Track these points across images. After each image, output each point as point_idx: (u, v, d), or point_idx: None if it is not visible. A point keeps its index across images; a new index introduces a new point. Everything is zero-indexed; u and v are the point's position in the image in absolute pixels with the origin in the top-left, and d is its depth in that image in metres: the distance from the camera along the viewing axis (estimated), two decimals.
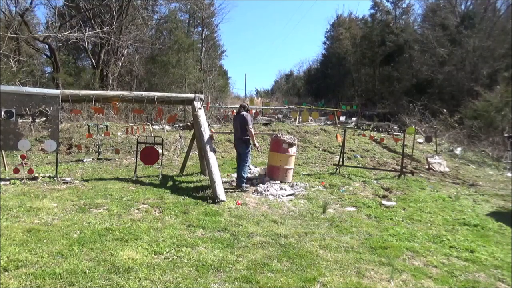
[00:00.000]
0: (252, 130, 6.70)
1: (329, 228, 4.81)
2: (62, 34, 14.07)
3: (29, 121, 11.33)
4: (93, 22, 19.16)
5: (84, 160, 9.47)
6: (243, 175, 6.79)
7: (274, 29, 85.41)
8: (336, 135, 11.77)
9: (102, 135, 10.94)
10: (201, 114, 7.42)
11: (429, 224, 5.16)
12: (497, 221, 5.38)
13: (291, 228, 4.71)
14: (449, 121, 15.16)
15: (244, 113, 6.86)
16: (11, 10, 16.65)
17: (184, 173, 8.28)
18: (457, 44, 19.26)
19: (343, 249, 4.05)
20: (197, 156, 8.66)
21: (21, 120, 10.09)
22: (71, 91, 7.64)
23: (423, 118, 16.04)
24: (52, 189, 6.26)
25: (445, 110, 15.95)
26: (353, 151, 11.35)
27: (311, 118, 15.59)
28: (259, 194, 6.53)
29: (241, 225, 4.67)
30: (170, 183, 7.18)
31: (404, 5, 27.36)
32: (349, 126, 16.98)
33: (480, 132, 13.97)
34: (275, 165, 7.55)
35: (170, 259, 3.56)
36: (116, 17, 19.34)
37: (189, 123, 14.44)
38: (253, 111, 16.46)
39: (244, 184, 6.78)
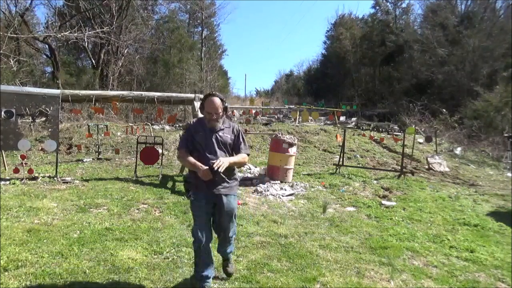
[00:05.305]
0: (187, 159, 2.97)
1: (329, 228, 4.81)
2: (62, 34, 14.02)
3: (29, 121, 11.33)
4: (93, 22, 19.18)
5: (84, 160, 9.46)
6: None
7: (274, 29, 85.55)
8: (336, 135, 11.77)
9: (102, 135, 10.94)
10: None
11: (429, 224, 5.15)
12: (497, 221, 5.38)
13: (291, 228, 4.71)
14: (449, 121, 15.16)
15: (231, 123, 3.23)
16: (11, 10, 16.69)
17: (184, 173, 8.28)
18: (457, 44, 19.26)
19: (343, 249, 4.05)
20: None
21: (21, 120, 10.08)
22: (71, 91, 7.66)
23: (423, 118, 16.03)
24: (52, 189, 6.26)
25: (445, 110, 15.95)
26: (353, 151, 11.34)
27: (311, 118, 15.57)
28: (259, 194, 6.53)
29: (241, 225, 4.66)
30: (170, 183, 7.18)
31: (404, 5, 27.41)
32: (349, 126, 16.97)
33: (480, 132, 13.97)
34: (275, 165, 7.55)
35: (170, 259, 3.56)
36: (116, 17, 19.36)
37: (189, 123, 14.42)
38: (253, 111, 16.47)
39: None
